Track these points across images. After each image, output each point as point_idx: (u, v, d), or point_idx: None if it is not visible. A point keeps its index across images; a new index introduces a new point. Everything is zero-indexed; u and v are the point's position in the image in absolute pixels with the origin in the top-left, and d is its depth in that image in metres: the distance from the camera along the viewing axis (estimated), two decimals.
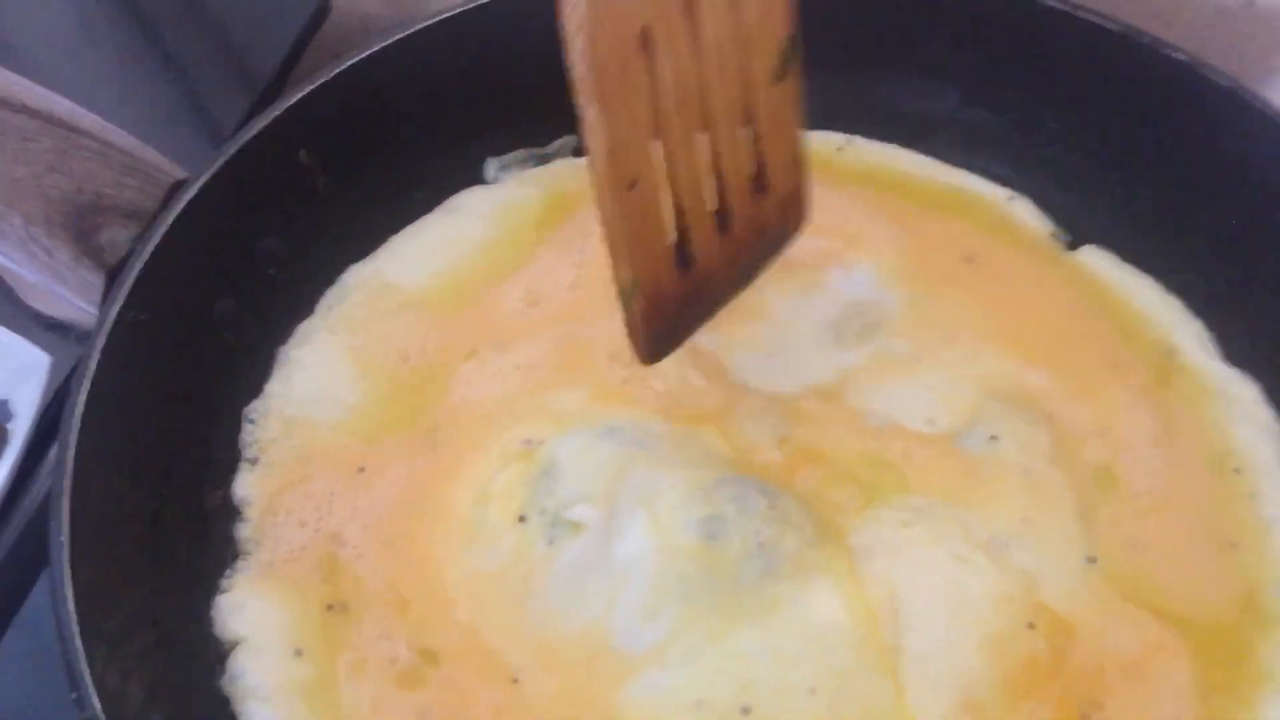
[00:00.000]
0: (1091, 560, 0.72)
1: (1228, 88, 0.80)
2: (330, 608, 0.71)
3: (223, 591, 0.71)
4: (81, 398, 0.66)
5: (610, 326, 0.82)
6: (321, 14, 1.12)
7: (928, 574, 0.69)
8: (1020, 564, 0.70)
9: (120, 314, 0.70)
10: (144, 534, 0.69)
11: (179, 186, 0.78)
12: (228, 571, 0.72)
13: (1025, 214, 0.89)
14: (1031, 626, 0.68)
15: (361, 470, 0.76)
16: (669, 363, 0.80)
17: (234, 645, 0.69)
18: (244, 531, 0.73)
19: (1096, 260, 0.87)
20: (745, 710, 0.65)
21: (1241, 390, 0.79)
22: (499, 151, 0.92)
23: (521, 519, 0.72)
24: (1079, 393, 0.79)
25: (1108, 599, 0.70)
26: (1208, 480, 0.75)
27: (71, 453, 0.64)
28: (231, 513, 0.74)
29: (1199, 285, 0.83)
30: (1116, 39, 0.83)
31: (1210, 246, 0.83)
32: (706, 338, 0.81)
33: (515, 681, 0.68)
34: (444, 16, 0.86)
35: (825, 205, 0.87)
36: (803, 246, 0.85)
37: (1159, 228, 0.85)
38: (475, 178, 0.92)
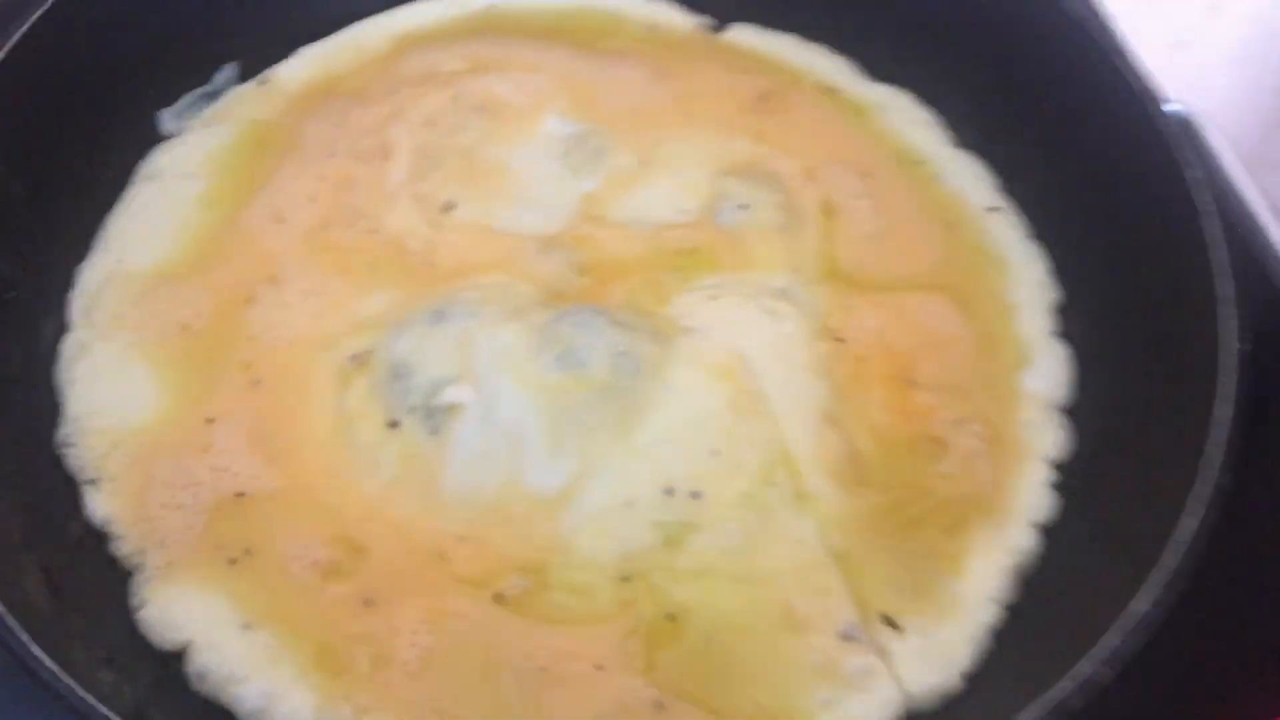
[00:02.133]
0: (849, 277, 0.85)
1: None
2: (234, 562, 0.70)
3: (138, 609, 0.68)
4: None
5: (369, 222, 0.84)
6: None
7: (752, 330, 0.79)
8: (807, 298, 0.82)
9: None
10: (46, 589, 0.65)
11: None
12: (132, 589, 0.69)
13: (670, 12, 0.99)
14: (839, 340, 0.81)
15: (210, 422, 0.75)
16: (436, 238, 0.84)
17: (183, 650, 0.67)
18: (124, 548, 0.70)
19: (742, 34, 0.99)
20: (669, 491, 0.73)
21: (897, 99, 0.95)
22: (168, 102, 0.89)
23: (393, 424, 0.74)
24: (778, 146, 0.91)
25: (880, 297, 0.84)
26: (902, 176, 0.91)
27: None
28: (100, 536, 0.71)
29: (837, 26, 0.96)
30: None
31: None
32: (464, 206, 0.86)
33: (445, 558, 0.71)
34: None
35: (502, 65, 0.94)
36: (507, 103, 0.91)
37: None
38: (155, 135, 0.88)
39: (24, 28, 0.78)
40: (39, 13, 0.79)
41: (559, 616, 0.69)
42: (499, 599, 0.70)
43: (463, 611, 0.69)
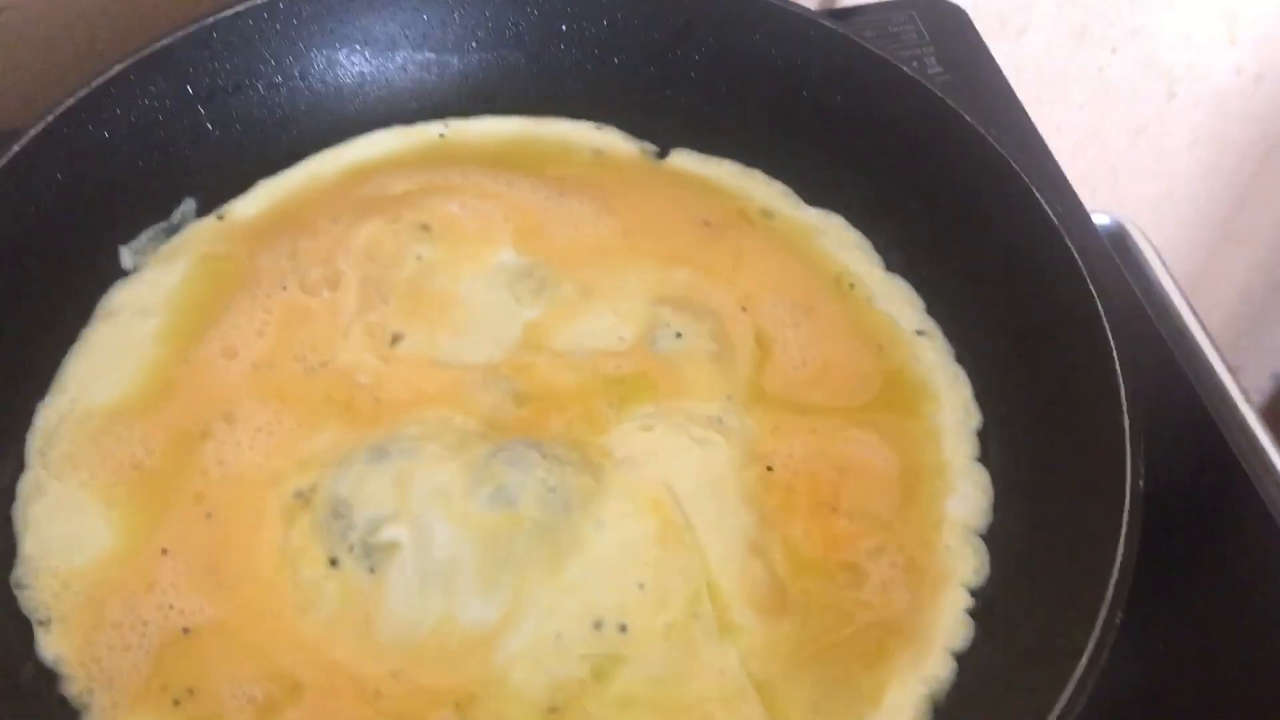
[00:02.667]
0: (781, 405, 0.88)
1: None
2: (177, 702, 0.73)
3: None
4: None
5: (319, 356, 0.88)
6: None
7: (683, 460, 0.82)
8: (738, 426, 0.86)
9: None
10: None
11: None
12: None
13: (616, 139, 1.03)
14: (768, 468, 0.84)
15: (164, 553, 0.78)
16: (384, 372, 0.88)
17: None
18: (73, 688, 0.73)
19: (684, 160, 1.03)
20: (597, 625, 0.76)
21: (830, 222, 0.99)
22: (127, 238, 0.93)
23: (333, 562, 0.77)
24: (716, 274, 0.95)
25: (809, 423, 0.87)
26: (836, 301, 0.94)
27: None
28: (51, 677, 0.74)
29: (773, 152, 1.00)
30: None
31: (766, 118, 1.01)
32: (411, 337, 0.89)
33: (379, 695, 0.74)
34: (30, 137, 0.85)
35: (448, 188, 0.98)
36: (454, 225, 0.95)
37: (728, 120, 1.02)
38: (115, 271, 0.92)
39: None
40: (2, 161, 0.84)
41: None
42: None
43: None
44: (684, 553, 0.78)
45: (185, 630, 0.76)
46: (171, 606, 0.76)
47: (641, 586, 0.77)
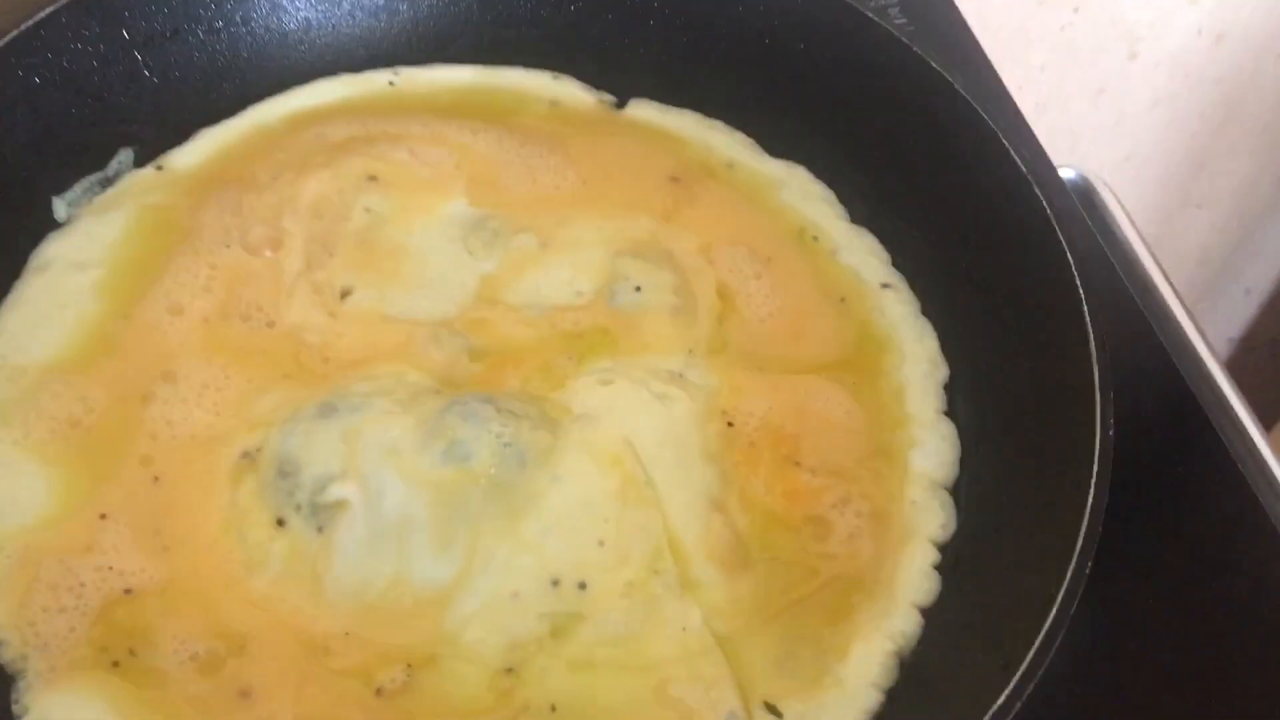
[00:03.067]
0: (743, 360, 0.86)
1: None
2: (117, 664, 0.70)
3: (20, 718, 0.68)
4: None
5: (265, 315, 0.85)
6: None
7: (643, 415, 0.80)
8: (699, 381, 0.83)
9: None
10: None
11: None
12: (15, 696, 0.69)
13: (573, 89, 1.00)
14: (729, 423, 0.82)
15: (103, 518, 0.75)
16: (333, 330, 0.85)
17: None
18: (7, 654, 0.70)
19: (644, 111, 1.00)
20: (555, 583, 0.73)
21: (792, 174, 0.96)
22: (61, 189, 0.89)
23: (280, 523, 0.74)
24: (679, 225, 0.92)
25: (772, 379, 0.85)
26: (799, 253, 0.92)
27: None
28: None
29: (735, 103, 0.98)
30: None
31: (727, 68, 0.98)
32: (360, 292, 0.86)
33: (327, 652, 0.72)
34: None
35: (398, 135, 0.94)
36: (405, 183, 0.92)
37: (687, 69, 0.99)
38: (48, 223, 0.88)
39: None
40: None
41: (440, 709, 0.70)
42: (380, 692, 0.70)
43: (341, 704, 0.69)
44: (644, 509, 0.76)
45: (127, 591, 0.72)
46: (111, 568, 0.73)
47: (601, 543, 0.75)
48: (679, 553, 0.76)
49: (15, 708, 0.68)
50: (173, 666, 0.69)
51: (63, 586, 0.72)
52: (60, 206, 0.88)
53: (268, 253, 0.87)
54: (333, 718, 0.69)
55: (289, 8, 0.96)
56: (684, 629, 0.73)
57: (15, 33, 0.84)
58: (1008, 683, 0.64)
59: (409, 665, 0.71)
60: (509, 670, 0.71)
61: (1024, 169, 0.84)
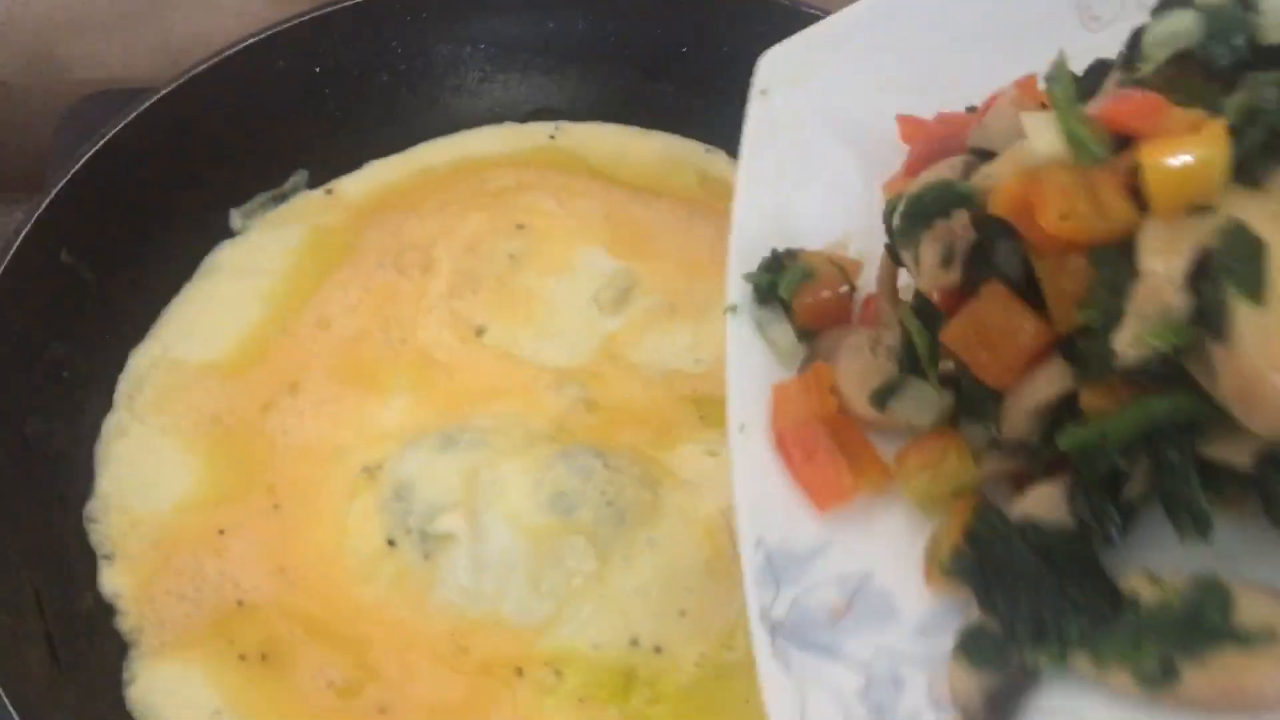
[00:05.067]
0: None
1: None
2: (243, 657, 0.75)
3: (128, 684, 0.74)
4: None
5: (401, 331, 0.90)
6: None
7: None
8: None
9: None
10: (47, 657, 0.71)
11: None
12: (126, 663, 0.75)
13: (723, 164, 1.04)
14: None
15: (222, 533, 0.80)
16: (462, 357, 0.89)
17: None
18: (126, 623, 0.76)
19: None
20: (634, 642, 0.76)
21: None
22: (239, 201, 0.96)
23: (391, 543, 0.79)
24: None
25: None
26: None
27: None
28: (108, 608, 0.77)
29: None
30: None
31: None
32: (493, 331, 0.91)
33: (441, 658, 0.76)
34: (161, 96, 0.89)
35: (550, 188, 0.99)
36: (550, 234, 0.96)
37: None
38: (223, 232, 0.95)
39: (112, 131, 0.86)
40: (129, 118, 0.87)
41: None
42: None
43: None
44: (729, 587, 0.79)
45: (240, 603, 0.78)
46: (231, 577, 0.78)
47: (683, 613, 0.77)
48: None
49: (125, 675, 0.74)
50: (311, 691, 0.74)
51: (187, 576, 0.78)
52: (236, 217, 0.96)
53: (416, 274, 0.93)
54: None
55: (468, 59, 1.02)
56: (746, 701, 0.75)
57: (216, 58, 0.91)
58: None
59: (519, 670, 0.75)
60: (582, 701, 0.75)
61: None
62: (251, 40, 0.93)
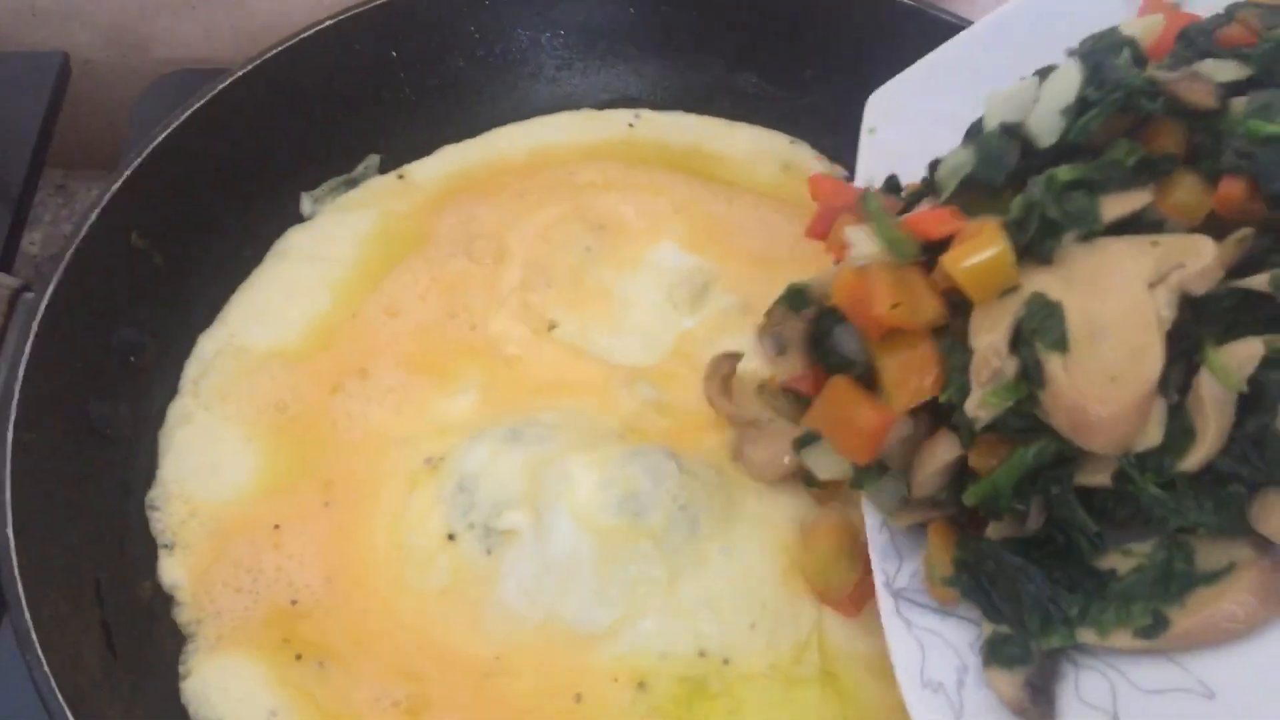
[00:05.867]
0: None
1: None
2: (300, 657, 0.73)
3: (184, 678, 0.73)
4: (8, 530, 0.67)
5: (470, 318, 0.87)
6: (64, 73, 1.09)
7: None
8: None
9: (16, 438, 0.70)
10: (103, 647, 0.70)
11: (19, 294, 0.78)
12: (183, 656, 0.73)
13: (807, 156, 1.00)
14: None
15: (277, 528, 0.78)
16: (532, 350, 0.87)
17: None
18: (184, 615, 0.75)
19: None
20: (702, 653, 0.73)
21: None
22: (310, 185, 0.94)
23: (451, 537, 0.77)
24: None
25: None
26: None
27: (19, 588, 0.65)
28: (167, 599, 0.76)
29: None
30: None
31: None
32: (565, 326, 0.88)
33: (487, 676, 0.74)
34: (235, 78, 0.88)
35: (629, 186, 0.96)
36: (625, 225, 0.93)
37: None
38: (293, 216, 0.94)
39: (185, 113, 0.85)
40: (201, 100, 0.86)
41: None
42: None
43: None
44: (801, 603, 0.75)
45: (293, 602, 0.76)
46: (287, 573, 0.77)
47: (753, 626, 0.74)
48: (826, 650, 0.74)
49: (183, 667, 0.73)
50: (370, 701, 0.72)
51: (244, 568, 0.76)
52: (307, 202, 0.94)
53: (489, 262, 0.91)
54: None
55: (548, 46, 0.99)
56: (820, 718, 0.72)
57: (293, 39, 0.90)
58: None
59: (578, 697, 0.73)
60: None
61: None
62: (328, 23, 0.91)
